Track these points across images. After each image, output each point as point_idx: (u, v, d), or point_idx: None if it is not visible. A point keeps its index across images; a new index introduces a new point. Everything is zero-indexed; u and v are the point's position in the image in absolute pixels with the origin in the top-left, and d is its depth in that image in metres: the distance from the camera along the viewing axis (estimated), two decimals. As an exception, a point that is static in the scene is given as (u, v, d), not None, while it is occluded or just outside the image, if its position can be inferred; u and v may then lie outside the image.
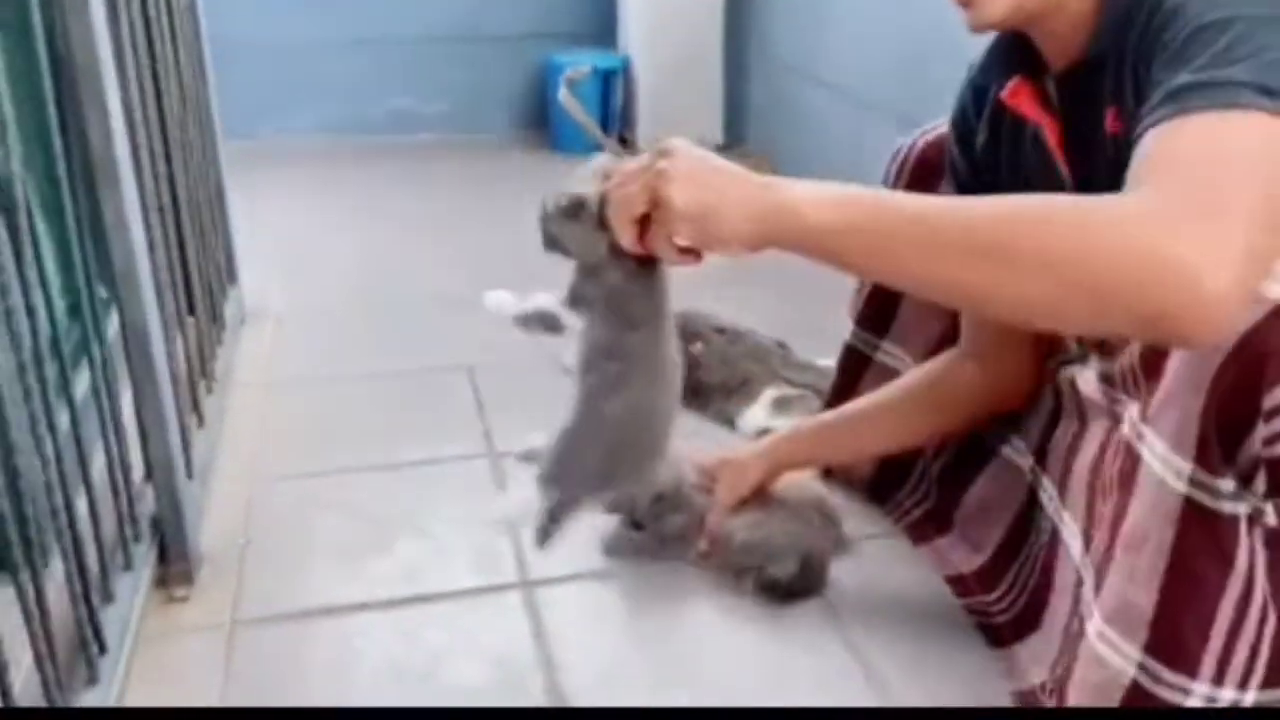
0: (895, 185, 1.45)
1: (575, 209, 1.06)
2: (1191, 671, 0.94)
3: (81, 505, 1.15)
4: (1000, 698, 1.18)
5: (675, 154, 0.97)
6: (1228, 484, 0.90)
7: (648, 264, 1.09)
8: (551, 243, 1.12)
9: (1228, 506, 0.91)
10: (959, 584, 1.35)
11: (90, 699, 1.08)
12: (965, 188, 1.27)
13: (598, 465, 1.20)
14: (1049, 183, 1.13)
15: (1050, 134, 1.12)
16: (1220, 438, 0.90)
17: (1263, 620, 0.93)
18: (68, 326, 1.25)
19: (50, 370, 1.08)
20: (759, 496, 1.42)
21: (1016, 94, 1.13)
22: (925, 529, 1.45)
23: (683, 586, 1.40)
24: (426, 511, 1.55)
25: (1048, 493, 1.24)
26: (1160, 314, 0.77)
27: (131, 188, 1.28)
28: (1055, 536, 1.20)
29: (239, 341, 2.08)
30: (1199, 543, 0.92)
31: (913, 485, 1.51)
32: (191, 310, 1.70)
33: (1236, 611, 0.92)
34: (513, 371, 1.99)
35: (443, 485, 1.63)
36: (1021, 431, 1.34)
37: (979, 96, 1.24)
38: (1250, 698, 0.94)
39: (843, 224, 0.89)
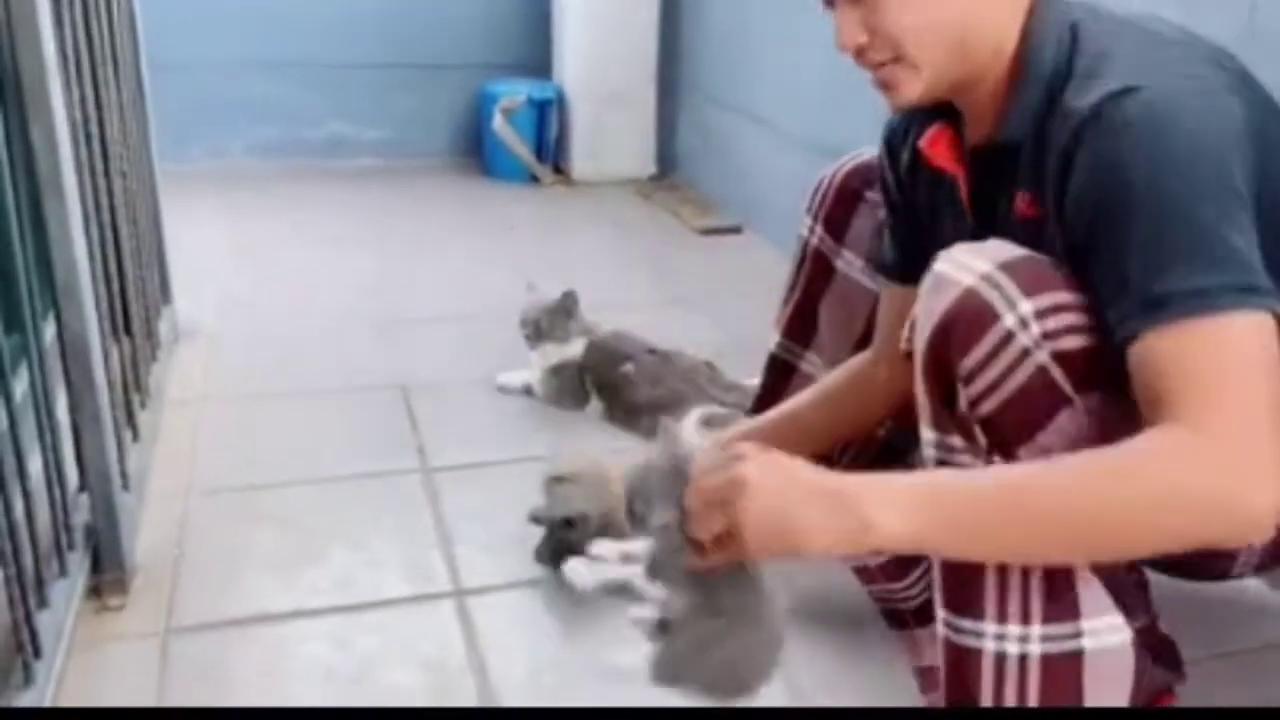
0: (819, 212, 1.52)
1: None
2: (978, 615, 1.04)
3: (18, 510, 1.17)
4: (904, 673, 1.25)
5: (745, 477, 0.98)
6: (959, 441, 1.03)
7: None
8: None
9: (966, 460, 1.03)
10: (864, 574, 1.42)
11: (25, 702, 1.10)
12: (894, 207, 1.34)
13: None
14: (959, 228, 1.20)
15: (963, 187, 1.19)
16: (937, 404, 1.04)
17: None
18: (4, 336, 1.27)
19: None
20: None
21: (934, 143, 1.19)
22: None
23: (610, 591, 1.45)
24: (359, 524, 1.58)
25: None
26: (1225, 539, 0.93)
27: (75, 201, 1.30)
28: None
29: (173, 360, 2.09)
30: None
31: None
32: (128, 327, 1.71)
33: None
34: (446, 390, 2.03)
35: (376, 499, 1.66)
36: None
37: (906, 121, 1.30)
38: (1036, 631, 1.03)
39: (914, 534, 0.94)
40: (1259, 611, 1.43)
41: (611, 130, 3.56)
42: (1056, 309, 1.00)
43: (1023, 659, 1.05)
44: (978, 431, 1.03)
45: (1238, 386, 0.88)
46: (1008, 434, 1.02)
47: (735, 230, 3.09)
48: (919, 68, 1.07)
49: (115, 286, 1.61)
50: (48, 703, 1.15)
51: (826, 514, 0.96)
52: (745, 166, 3.12)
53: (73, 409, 1.38)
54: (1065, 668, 1.04)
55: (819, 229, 1.54)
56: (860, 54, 1.09)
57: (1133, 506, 0.89)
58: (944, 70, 1.08)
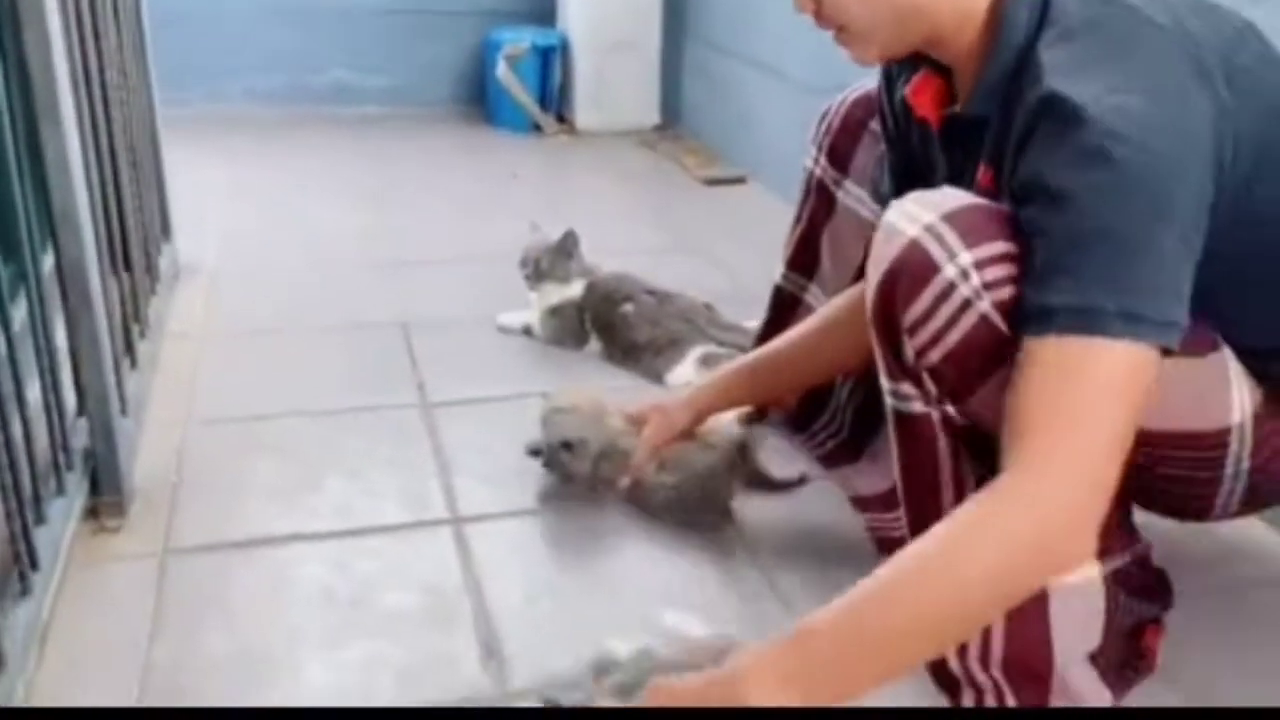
0: (823, 142, 1.52)
1: None
2: None
3: (16, 430, 1.17)
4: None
5: None
6: (908, 388, 1.06)
7: None
8: None
9: (915, 407, 1.07)
10: (861, 503, 1.43)
11: (22, 612, 1.10)
12: (890, 140, 1.33)
13: None
14: (941, 174, 1.19)
15: (939, 141, 1.19)
16: (888, 354, 1.06)
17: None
18: (2, 263, 1.27)
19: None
20: (683, 438, 1.48)
21: (918, 91, 1.18)
22: (836, 457, 1.55)
23: (606, 519, 1.45)
24: (358, 455, 1.59)
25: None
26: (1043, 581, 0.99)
27: (72, 126, 1.29)
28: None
29: (173, 296, 2.09)
30: (906, 441, 1.09)
31: (827, 420, 1.59)
32: (127, 261, 1.71)
33: (953, 493, 1.07)
34: (446, 330, 2.03)
35: (375, 431, 1.66)
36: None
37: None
38: None
39: (803, 698, 0.88)
40: (1252, 549, 1.43)
41: (616, 79, 3.53)
42: (997, 259, 0.99)
43: None
44: (926, 380, 1.04)
45: (1087, 422, 0.90)
46: (955, 384, 1.03)
47: (740, 180, 3.07)
48: (867, 37, 1.08)
49: (114, 217, 1.61)
50: (44, 618, 1.16)
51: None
52: (750, 115, 3.09)
53: (71, 334, 1.38)
54: (1030, 609, 1.04)
55: (823, 159, 1.53)
56: (816, 18, 1.09)
57: (979, 592, 0.90)
58: (896, 37, 1.08)
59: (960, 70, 1.11)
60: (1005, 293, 0.98)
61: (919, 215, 1.01)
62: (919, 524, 1.07)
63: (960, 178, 1.13)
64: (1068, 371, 0.90)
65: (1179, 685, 1.17)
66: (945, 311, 0.99)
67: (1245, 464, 1.08)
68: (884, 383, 1.09)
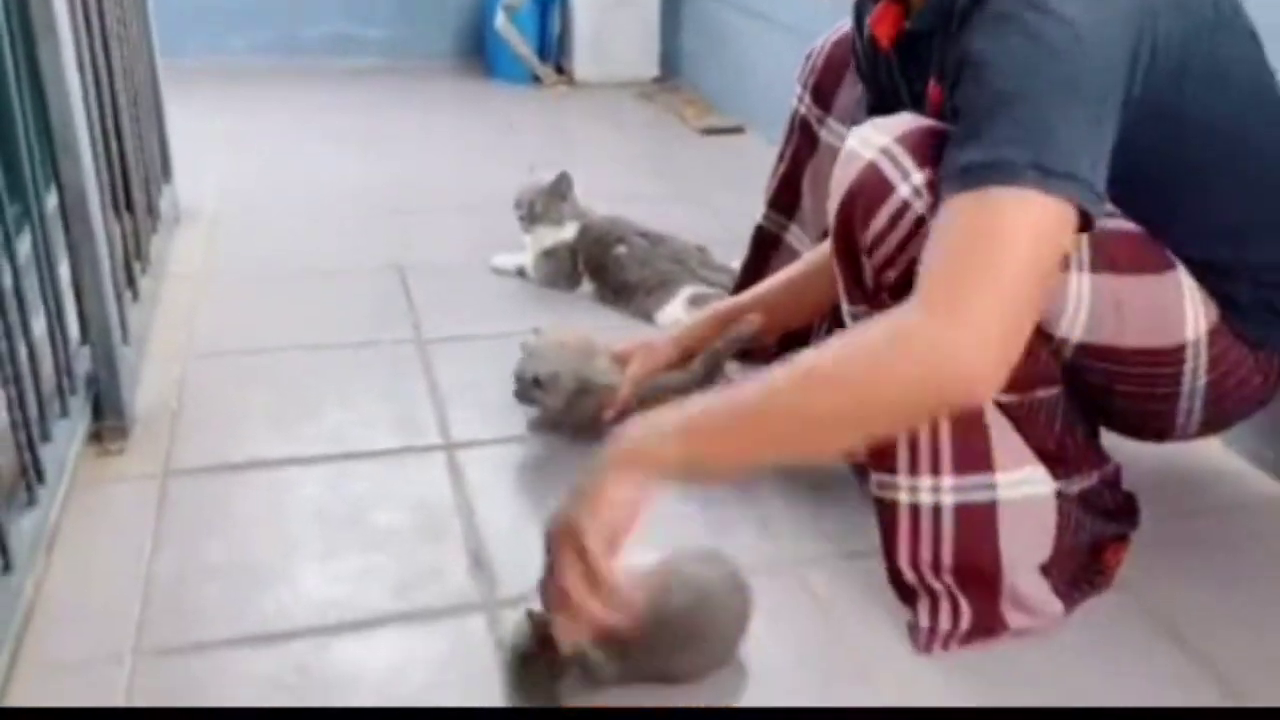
0: (808, 80, 1.55)
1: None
2: (889, 468, 1.12)
3: (21, 351, 1.21)
4: (868, 514, 1.29)
5: (553, 535, 0.99)
6: (864, 310, 1.10)
7: None
8: None
9: None
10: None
11: (29, 520, 1.15)
12: (864, 77, 1.36)
13: None
14: (904, 105, 1.22)
15: (896, 68, 1.22)
16: (847, 276, 1.10)
17: None
18: (8, 198, 1.30)
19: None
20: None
21: (879, 21, 1.20)
22: None
23: (593, 445, 1.48)
24: (355, 387, 1.63)
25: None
26: (949, 411, 1.03)
27: (69, 46, 1.32)
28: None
29: (173, 238, 2.12)
30: None
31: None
32: (129, 199, 1.74)
33: None
34: (442, 272, 2.07)
35: (371, 366, 1.70)
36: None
37: None
38: (947, 482, 1.10)
39: (685, 459, 0.95)
40: (1216, 474, 1.47)
41: (614, 31, 3.54)
42: None
43: (936, 509, 1.11)
44: (888, 301, 1.07)
45: (987, 268, 0.91)
46: None
47: (737, 130, 3.10)
48: None
49: (114, 155, 1.64)
50: (49, 529, 1.21)
51: (620, 473, 0.97)
52: (747, 66, 3.11)
53: (74, 265, 1.42)
54: (979, 516, 1.10)
55: (807, 98, 1.56)
56: None
57: (865, 399, 0.94)
58: None
59: None
60: None
61: (874, 139, 1.05)
62: (877, 450, 1.13)
63: (920, 101, 1.16)
64: (978, 222, 0.92)
65: (1134, 596, 1.21)
66: (901, 229, 1.04)
67: (1202, 380, 1.12)
68: (845, 307, 1.14)
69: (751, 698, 1.07)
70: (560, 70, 3.59)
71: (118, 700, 1.04)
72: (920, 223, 1.01)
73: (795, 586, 1.23)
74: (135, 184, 1.77)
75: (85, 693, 1.04)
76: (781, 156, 1.62)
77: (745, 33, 3.11)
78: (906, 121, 1.06)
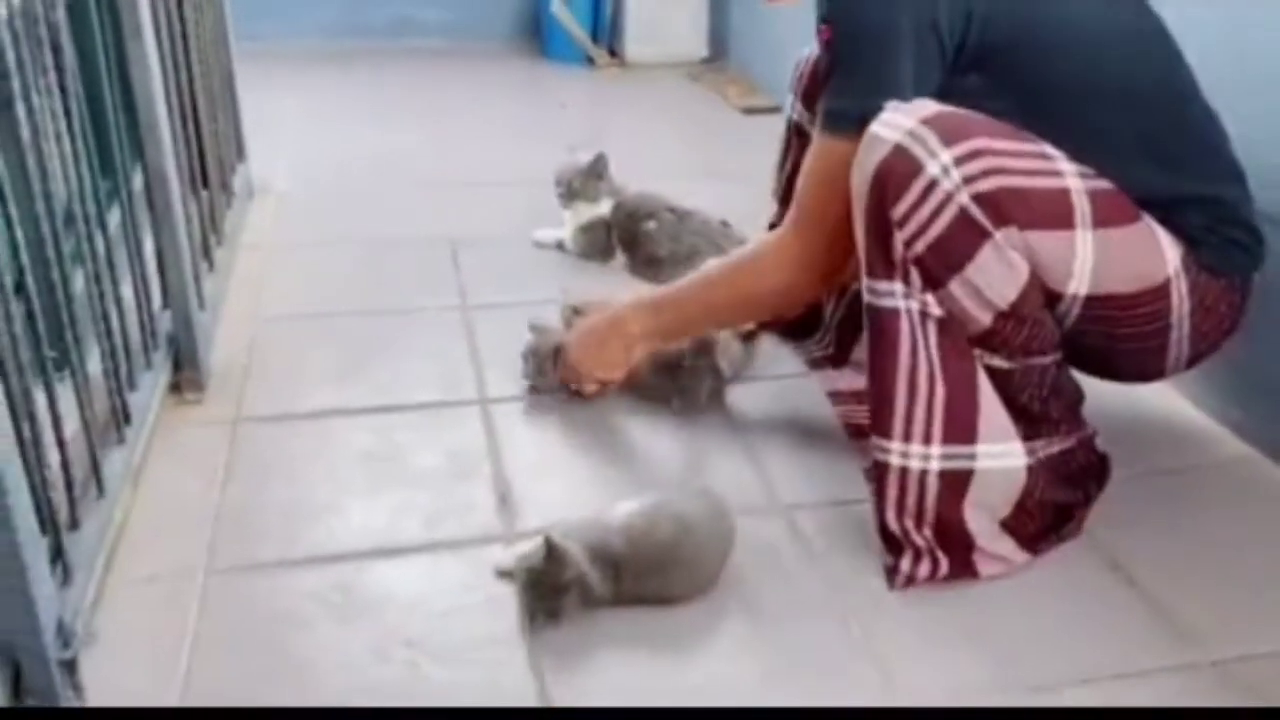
0: (797, 89, 1.71)
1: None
2: (886, 434, 1.26)
3: (113, 314, 1.40)
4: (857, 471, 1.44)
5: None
6: (886, 285, 1.23)
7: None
8: None
9: (888, 302, 1.23)
10: (837, 396, 1.61)
11: (118, 456, 1.35)
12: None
13: None
14: None
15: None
16: (874, 251, 1.23)
17: (931, 390, 1.23)
18: (100, 179, 1.49)
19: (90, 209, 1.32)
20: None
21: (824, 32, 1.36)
22: (822, 364, 1.73)
23: (616, 407, 1.65)
24: (403, 347, 1.81)
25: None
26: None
27: (152, 47, 1.51)
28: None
29: (246, 212, 2.32)
30: (875, 335, 1.25)
31: (819, 336, 1.77)
32: (205, 178, 1.93)
33: (908, 384, 1.23)
34: (488, 244, 2.23)
35: (417, 328, 1.88)
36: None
37: None
38: (935, 450, 1.24)
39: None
40: (1184, 433, 1.58)
41: (665, 13, 3.67)
42: (973, 154, 1.17)
43: (923, 474, 1.26)
44: (913, 272, 1.21)
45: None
46: (939, 271, 1.20)
47: (777, 110, 3.20)
48: None
49: (193, 139, 1.83)
50: (135, 463, 1.40)
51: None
52: (791, 46, 3.21)
53: (156, 238, 1.61)
54: (956, 480, 1.25)
55: (798, 104, 1.70)
56: None
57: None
58: None
59: None
60: (982, 185, 1.17)
61: (900, 123, 1.19)
62: (878, 402, 1.26)
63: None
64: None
65: (1095, 543, 1.34)
66: (930, 204, 1.18)
67: (1186, 309, 1.27)
68: (864, 281, 1.26)
69: (735, 622, 1.23)
70: (613, 52, 3.73)
71: (191, 608, 1.22)
72: (948, 199, 1.17)
73: (783, 526, 1.38)
74: (211, 165, 1.96)
75: (164, 602, 1.23)
76: (782, 161, 1.78)
77: (789, 14, 3.21)
78: (928, 105, 1.21)
